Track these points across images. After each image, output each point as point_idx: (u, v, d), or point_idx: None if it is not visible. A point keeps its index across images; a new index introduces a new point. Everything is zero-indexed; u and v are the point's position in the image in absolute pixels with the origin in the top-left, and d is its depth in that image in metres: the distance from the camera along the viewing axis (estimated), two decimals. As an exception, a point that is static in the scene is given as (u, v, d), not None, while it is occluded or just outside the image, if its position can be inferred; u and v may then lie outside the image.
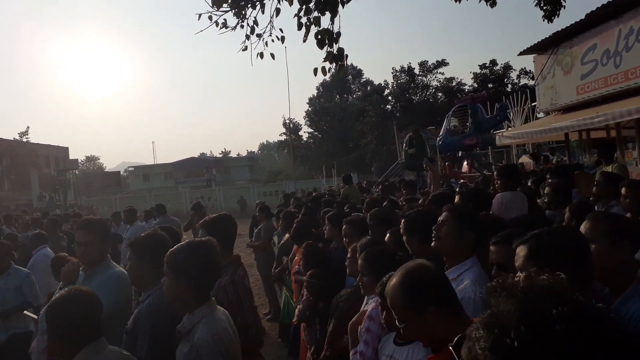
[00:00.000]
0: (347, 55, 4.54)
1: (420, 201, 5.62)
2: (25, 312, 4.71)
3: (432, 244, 2.61)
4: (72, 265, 2.94)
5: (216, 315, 2.21)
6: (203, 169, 53.76)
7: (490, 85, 44.12)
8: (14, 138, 53.54)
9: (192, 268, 2.17)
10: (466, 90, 44.62)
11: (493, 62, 45.75)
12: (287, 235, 6.67)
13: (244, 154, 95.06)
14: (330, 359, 3.24)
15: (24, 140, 53.81)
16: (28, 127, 59.40)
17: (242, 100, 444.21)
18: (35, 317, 3.93)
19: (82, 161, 62.67)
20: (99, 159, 77.74)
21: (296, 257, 5.19)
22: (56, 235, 7.57)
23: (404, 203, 6.06)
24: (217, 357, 2.06)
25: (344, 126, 53.37)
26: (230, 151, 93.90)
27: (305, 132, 59.46)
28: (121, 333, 2.46)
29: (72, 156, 56.14)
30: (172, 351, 2.26)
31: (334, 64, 4.57)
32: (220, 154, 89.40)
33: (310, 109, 58.07)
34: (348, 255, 3.43)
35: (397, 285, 1.84)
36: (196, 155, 75.52)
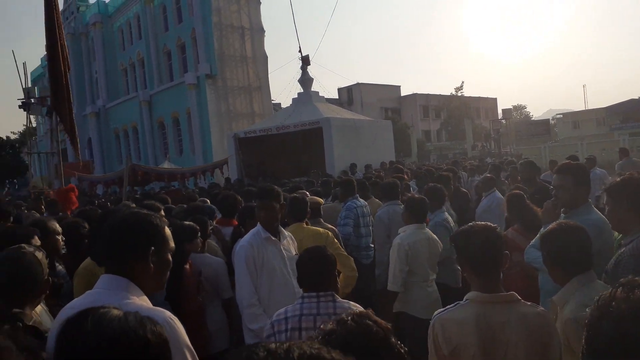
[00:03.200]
0: None
1: None
2: None
3: None
4: (550, 204, 3.20)
5: None
6: (645, 112, 46.16)
7: None
8: (451, 93, 60.34)
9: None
10: None
11: None
12: None
13: None
14: None
15: (459, 94, 59.86)
16: (463, 82, 65.48)
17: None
18: None
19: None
20: (525, 108, 78.09)
21: None
22: (499, 180, 8.22)
23: None
24: None
25: None
26: (683, 88, 76.17)
27: None
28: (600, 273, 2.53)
29: (499, 106, 58.83)
30: None
31: None
32: (668, 92, 74.07)
33: None
34: None
35: None
36: (636, 96, 65.28)
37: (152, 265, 1.67)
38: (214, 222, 4.83)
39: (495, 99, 66.99)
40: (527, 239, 3.56)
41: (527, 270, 3.43)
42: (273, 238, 3.36)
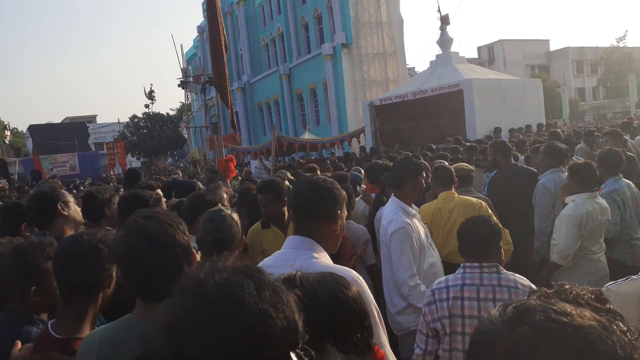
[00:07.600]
0: None
1: None
2: None
3: None
4: None
5: None
6: None
7: None
8: (611, 44, 53.24)
9: None
10: None
11: None
12: None
13: None
14: None
15: (621, 45, 52.55)
16: (626, 31, 57.29)
17: None
18: None
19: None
20: None
21: None
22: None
23: None
24: None
25: None
26: None
27: None
28: None
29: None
30: None
31: None
32: None
33: None
34: None
35: None
36: None
37: (338, 227, 1.83)
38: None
39: (667, 47, 57.66)
40: None
41: None
42: (415, 212, 3.44)
